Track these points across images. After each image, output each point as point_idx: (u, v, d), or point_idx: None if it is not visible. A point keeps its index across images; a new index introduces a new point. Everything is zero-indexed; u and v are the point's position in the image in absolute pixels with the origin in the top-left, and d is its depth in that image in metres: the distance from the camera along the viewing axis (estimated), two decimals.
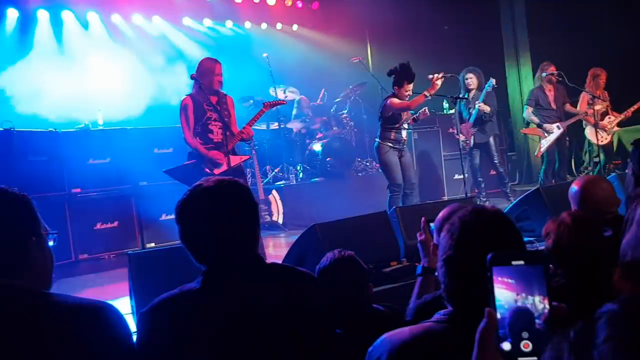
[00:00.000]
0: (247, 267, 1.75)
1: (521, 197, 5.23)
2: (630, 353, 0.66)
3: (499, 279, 1.10)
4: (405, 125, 6.45)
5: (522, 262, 1.10)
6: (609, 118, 7.96)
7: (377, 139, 6.53)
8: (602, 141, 7.96)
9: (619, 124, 8.05)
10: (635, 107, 7.84)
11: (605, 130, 7.95)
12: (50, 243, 1.64)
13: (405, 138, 6.49)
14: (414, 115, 6.47)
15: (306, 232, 3.99)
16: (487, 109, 7.53)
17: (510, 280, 1.10)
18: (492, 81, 7.52)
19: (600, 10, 9.86)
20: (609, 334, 0.71)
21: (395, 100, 6.23)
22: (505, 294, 1.10)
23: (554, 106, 7.83)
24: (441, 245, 1.55)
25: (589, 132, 8.03)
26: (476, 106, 7.51)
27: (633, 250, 1.49)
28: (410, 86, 6.25)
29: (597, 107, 7.66)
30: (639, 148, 3.24)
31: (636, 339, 0.68)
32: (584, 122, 8.00)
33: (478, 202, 5.51)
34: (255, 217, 1.82)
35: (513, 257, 1.11)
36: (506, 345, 1.07)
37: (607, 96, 8.09)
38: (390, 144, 6.39)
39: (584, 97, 7.90)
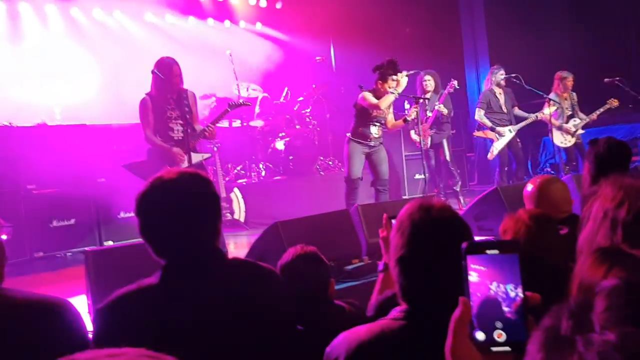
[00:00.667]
0: (208, 261, 1.72)
1: (480, 196, 5.32)
2: (628, 321, 0.74)
3: (473, 266, 1.10)
4: (377, 122, 6.38)
5: (496, 251, 1.10)
6: (574, 121, 8.11)
7: (348, 133, 6.49)
8: (565, 144, 8.10)
9: (584, 127, 8.23)
10: (601, 110, 8.01)
11: (570, 133, 8.12)
12: (3, 237, 1.59)
13: (374, 135, 6.35)
14: (405, 116, 6.57)
15: (268, 230, 3.98)
16: (445, 110, 7.64)
17: (483, 268, 1.09)
18: (454, 82, 7.63)
19: (560, 15, 10.11)
20: (609, 304, 0.77)
21: (367, 95, 6.20)
22: (478, 283, 1.09)
23: (504, 109, 7.99)
24: (393, 245, 1.57)
25: (554, 134, 8.18)
26: (435, 107, 7.60)
27: (589, 245, 1.54)
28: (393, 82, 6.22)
29: (545, 111, 7.81)
30: (595, 148, 3.35)
31: (635, 309, 0.75)
32: (549, 125, 8.16)
33: None
34: (217, 210, 1.79)
35: (488, 246, 1.11)
36: (480, 335, 1.06)
37: (575, 98, 8.26)
38: (355, 139, 6.34)
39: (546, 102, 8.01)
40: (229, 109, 5.47)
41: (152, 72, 5.16)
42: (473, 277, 1.10)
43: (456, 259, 1.43)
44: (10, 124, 6.38)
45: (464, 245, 1.11)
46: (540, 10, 10.00)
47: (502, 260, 1.10)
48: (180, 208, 1.70)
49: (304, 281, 2.31)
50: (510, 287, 1.08)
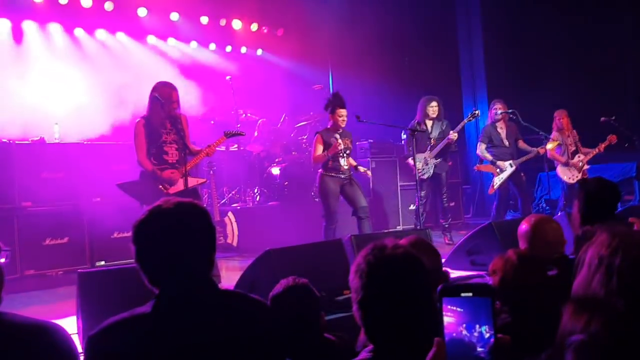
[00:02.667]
0: (200, 292, 1.74)
1: (474, 230, 5.34)
2: None
3: (449, 307, 1.14)
4: (344, 154, 6.51)
5: (470, 294, 1.15)
6: (579, 157, 8.15)
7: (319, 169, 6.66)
8: (573, 179, 8.07)
9: (590, 162, 8.25)
10: (607, 142, 8.04)
11: (577, 168, 8.16)
12: (2, 260, 1.62)
13: (344, 166, 6.52)
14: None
15: (260, 257, 4.00)
16: (455, 136, 7.60)
17: (459, 310, 1.14)
18: (477, 112, 7.66)
19: (560, 53, 10.25)
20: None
21: (316, 145, 6.53)
22: (453, 323, 1.13)
23: (506, 143, 7.95)
24: (353, 288, 1.59)
25: (560, 171, 8.20)
26: (450, 135, 7.51)
27: (584, 292, 1.56)
28: (343, 111, 6.46)
29: (548, 147, 7.86)
30: (584, 188, 3.40)
31: None
32: (554, 161, 8.18)
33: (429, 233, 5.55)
34: (212, 242, 1.82)
35: (462, 289, 1.16)
36: None
37: (576, 135, 8.31)
38: (328, 174, 6.51)
39: (551, 139, 8.05)
40: (225, 137, 5.60)
41: (151, 95, 5.23)
42: (448, 318, 1.14)
43: (415, 297, 1.47)
44: (8, 140, 6.39)
45: (440, 287, 1.16)
46: (538, 48, 10.14)
47: (476, 302, 1.14)
48: (176, 239, 1.72)
49: (295, 314, 2.32)
50: (485, 328, 1.12)
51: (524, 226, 3.14)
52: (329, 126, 6.61)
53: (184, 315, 1.68)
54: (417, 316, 1.16)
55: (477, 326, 1.12)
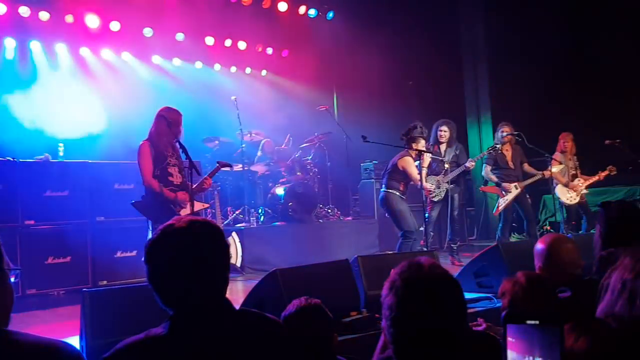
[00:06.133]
0: (217, 313, 1.70)
1: (480, 253, 5.28)
2: None
3: (511, 338, 1.07)
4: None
5: (537, 322, 1.07)
6: (579, 180, 8.18)
7: (385, 189, 6.84)
8: (570, 201, 8.15)
9: (588, 187, 8.27)
10: (606, 172, 8.09)
11: (575, 191, 8.15)
12: (12, 279, 1.59)
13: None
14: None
15: (267, 277, 3.94)
16: (472, 165, 7.62)
17: (523, 338, 1.05)
18: (497, 146, 7.72)
19: (564, 73, 10.26)
20: None
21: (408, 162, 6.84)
22: (513, 355, 1.05)
23: (511, 165, 7.92)
24: (385, 305, 1.55)
25: (559, 191, 8.21)
26: (468, 163, 7.51)
27: (610, 316, 1.52)
28: (423, 142, 6.88)
29: (554, 169, 7.86)
30: (607, 210, 3.32)
31: None
32: (554, 181, 8.18)
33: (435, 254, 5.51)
34: (227, 260, 1.78)
35: (528, 316, 1.08)
36: None
37: (577, 161, 8.33)
38: (398, 194, 6.79)
39: (553, 160, 8.07)
40: (219, 167, 5.69)
41: (158, 118, 5.31)
42: (511, 350, 1.05)
43: (452, 318, 1.40)
44: (13, 158, 6.38)
45: (503, 314, 1.08)
46: (543, 69, 10.15)
47: (544, 332, 1.06)
48: (190, 258, 1.68)
49: (308, 334, 2.27)
50: None
51: (540, 245, 3.09)
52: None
53: (200, 335, 1.63)
54: (451, 337, 1.11)
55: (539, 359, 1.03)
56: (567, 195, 8.16)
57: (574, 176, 8.21)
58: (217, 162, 5.74)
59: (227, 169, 6.28)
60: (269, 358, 1.69)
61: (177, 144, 5.34)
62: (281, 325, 1.84)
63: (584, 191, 8.15)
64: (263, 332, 1.74)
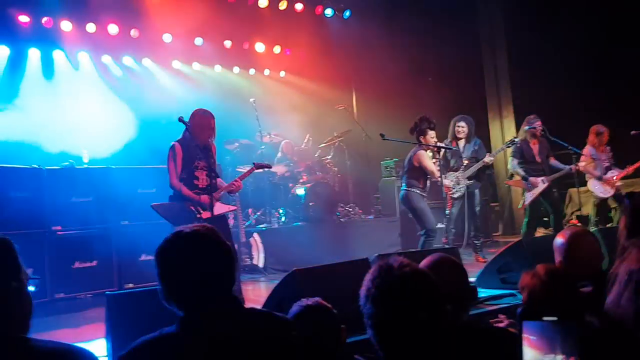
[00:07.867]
0: (226, 311, 1.77)
1: (504, 248, 5.24)
2: None
3: (531, 335, 1.04)
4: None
5: (554, 318, 1.07)
6: (612, 173, 8.05)
7: (405, 187, 6.79)
8: (606, 194, 8.05)
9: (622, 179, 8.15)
10: (635, 166, 7.96)
11: (609, 184, 8.06)
12: (32, 288, 1.64)
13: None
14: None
15: (286, 277, 3.98)
16: (491, 161, 7.57)
17: (539, 335, 1.03)
18: (515, 139, 7.65)
19: (585, 65, 10.11)
20: None
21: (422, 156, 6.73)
22: (530, 352, 1.03)
23: (538, 159, 7.77)
24: (366, 314, 1.60)
25: (593, 184, 8.11)
26: (487, 158, 7.43)
27: (616, 308, 1.52)
28: (433, 133, 6.73)
29: (581, 164, 7.76)
30: (633, 201, 3.27)
31: None
32: (587, 175, 8.08)
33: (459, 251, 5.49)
34: (231, 260, 1.86)
35: (544, 312, 1.08)
36: None
37: (610, 152, 8.20)
38: (418, 192, 6.72)
39: (585, 152, 7.97)
40: (254, 169, 5.68)
41: (190, 121, 5.22)
42: (527, 347, 1.02)
43: (431, 313, 1.41)
44: (39, 166, 6.52)
45: (519, 310, 1.05)
46: (565, 59, 9.99)
47: (561, 328, 1.03)
48: (193, 262, 1.79)
49: (313, 333, 2.31)
50: (559, 357, 1.00)
51: (559, 239, 3.04)
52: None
53: (211, 333, 1.69)
54: (434, 333, 1.13)
55: (559, 356, 1.00)
56: (601, 189, 8.04)
57: (608, 168, 8.07)
58: (254, 163, 5.68)
59: (261, 170, 6.16)
60: (276, 356, 1.74)
61: (208, 146, 5.34)
62: (290, 323, 1.89)
63: (619, 183, 8.02)
64: (271, 331, 1.79)
